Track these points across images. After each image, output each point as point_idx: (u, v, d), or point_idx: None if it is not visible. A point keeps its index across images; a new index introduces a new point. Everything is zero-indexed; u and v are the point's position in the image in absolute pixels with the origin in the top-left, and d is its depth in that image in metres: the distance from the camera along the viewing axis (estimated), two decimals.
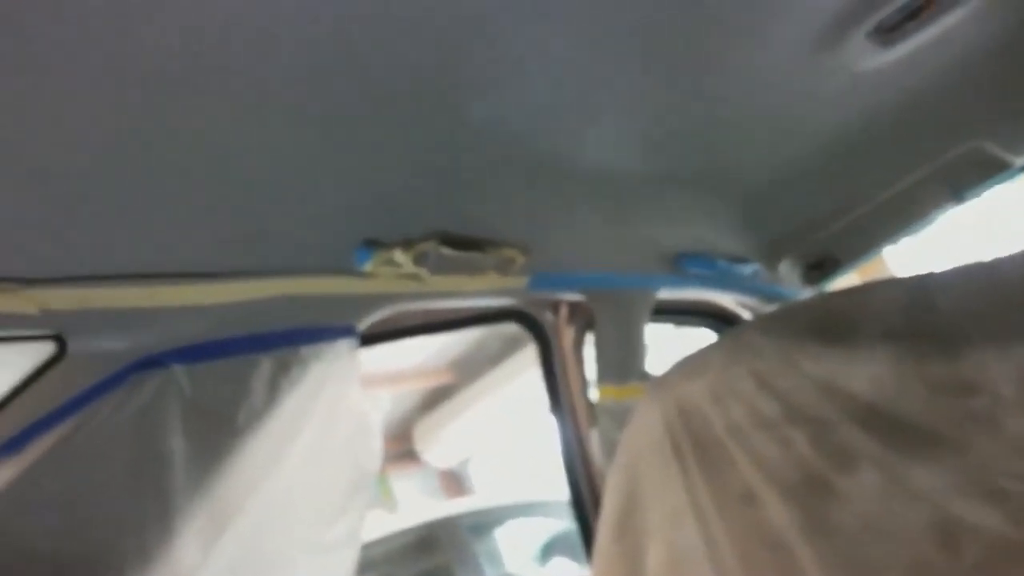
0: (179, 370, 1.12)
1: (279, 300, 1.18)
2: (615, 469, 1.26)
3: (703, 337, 2.11)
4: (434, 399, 7.31)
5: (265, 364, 1.18)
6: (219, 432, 1.12)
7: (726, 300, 1.98)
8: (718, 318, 2.04)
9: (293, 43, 0.82)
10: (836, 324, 1.11)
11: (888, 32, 1.17)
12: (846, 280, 1.95)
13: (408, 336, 1.63)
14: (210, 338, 1.15)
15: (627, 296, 1.68)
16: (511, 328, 1.86)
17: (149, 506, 1.07)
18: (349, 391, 1.29)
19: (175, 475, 1.08)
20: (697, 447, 1.10)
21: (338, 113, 0.97)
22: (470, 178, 1.23)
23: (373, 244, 1.21)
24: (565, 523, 4.82)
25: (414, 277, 1.28)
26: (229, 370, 1.16)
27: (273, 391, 1.17)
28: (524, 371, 5.82)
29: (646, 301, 1.71)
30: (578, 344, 1.86)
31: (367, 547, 1.38)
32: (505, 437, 7.29)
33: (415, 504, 7.27)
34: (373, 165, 1.11)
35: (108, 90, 0.79)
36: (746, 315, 2.01)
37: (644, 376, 1.63)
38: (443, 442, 7.43)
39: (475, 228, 1.32)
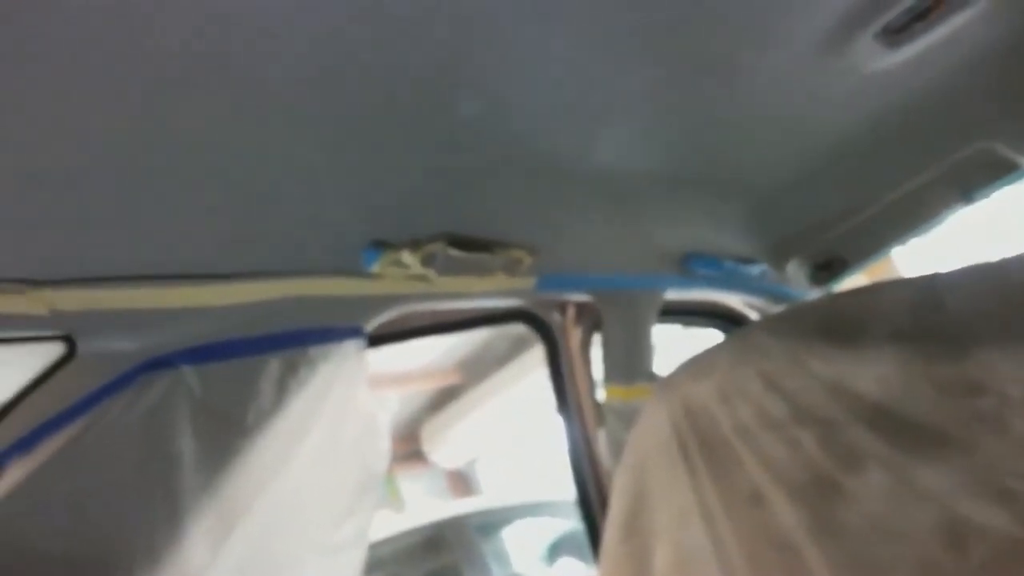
0: (188, 371, 1.13)
1: (287, 301, 1.19)
2: (622, 469, 1.26)
3: (710, 338, 2.11)
4: (441, 400, 7.31)
5: (273, 365, 1.18)
6: (228, 432, 1.12)
7: (733, 301, 1.97)
8: (725, 319, 2.04)
9: (300, 45, 0.83)
10: (844, 324, 1.11)
11: (896, 33, 1.17)
12: (854, 281, 1.94)
13: (416, 337, 1.63)
14: (218, 339, 1.16)
15: (634, 297, 1.68)
16: (518, 329, 1.86)
17: (158, 506, 1.07)
18: (357, 392, 1.29)
19: (184, 475, 1.08)
20: (704, 447, 1.10)
21: (346, 115, 0.97)
22: (477, 179, 1.23)
23: (381, 245, 1.21)
24: (572, 523, 4.81)
25: (422, 278, 1.28)
26: (237, 371, 1.16)
27: (281, 392, 1.17)
28: (531, 372, 5.81)
29: (653, 302, 1.71)
30: (585, 345, 1.85)
31: (374, 547, 1.38)
32: (512, 437, 7.28)
33: (422, 504, 7.27)
34: (381, 166, 1.11)
35: (116, 93, 0.80)
36: (753, 316, 2.01)
37: (651, 377, 1.63)
38: (450, 442, 7.43)
39: (483, 229, 1.33)
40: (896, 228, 1.79)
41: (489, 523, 5.27)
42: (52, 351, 1.07)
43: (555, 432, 1.92)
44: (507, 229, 1.36)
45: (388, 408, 1.35)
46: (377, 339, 1.40)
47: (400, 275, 1.26)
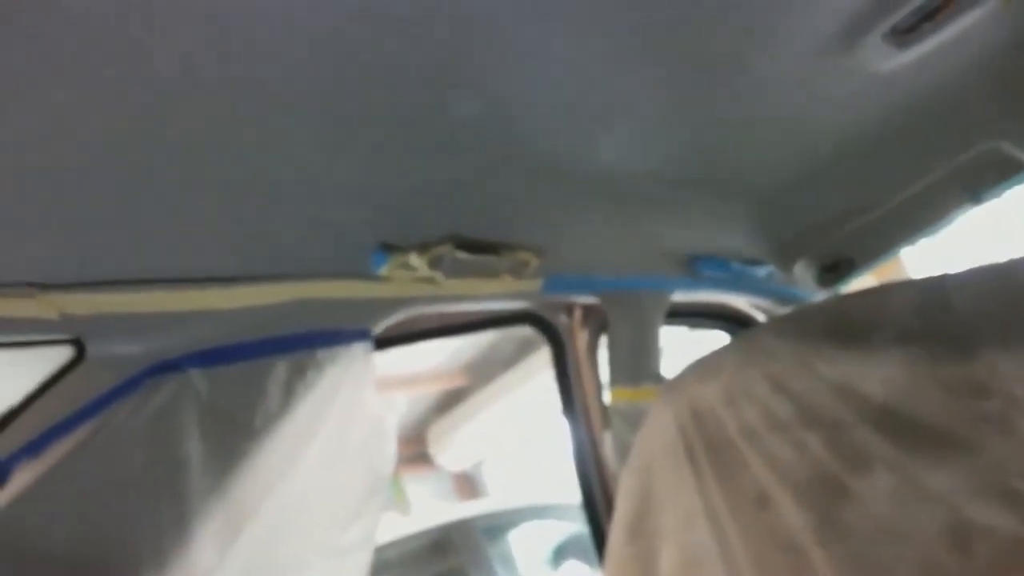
0: (195, 374, 1.13)
1: (295, 304, 1.19)
2: (628, 471, 1.26)
3: (718, 339, 2.11)
4: (448, 402, 7.32)
5: (281, 368, 1.19)
6: (235, 435, 1.13)
7: (740, 302, 1.97)
8: (732, 320, 2.03)
9: (303, 46, 0.83)
10: (851, 326, 1.11)
11: (904, 34, 1.16)
12: (862, 282, 1.93)
13: (423, 339, 1.64)
14: (226, 342, 1.16)
15: (641, 298, 1.67)
16: (524, 331, 1.86)
17: (165, 509, 1.07)
18: (364, 394, 1.29)
19: (191, 478, 1.09)
20: (710, 449, 1.10)
21: (350, 116, 0.97)
22: (483, 180, 1.23)
23: (388, 248, 1.21)
24: (578, 526, 4.81)
25: (429, 280, 1.28)
26: (245, 374, 1.16)
27: (289, 394, 1.17)
28: (537, 374, 5.81)
29: (660, 303, 1.71)
30: (592, 347, 1.85)
31: (381, 550, 1.38)
32: (518, 440, 7.28)
33: (428, 507, 7.27)
34: (386, 168, 1.11)
35: (122, 95, 0.80)
36: (760, 317, 2.00)
37: (658, 379, 1.62)
38: (457, 445, 7.44)
39: (489, 231, 1.33)
40: (904, 228, 1.79)
41: (495, 526, 5.28)
42: (60, 355, 1.08)
43: (561, 434, 1.92)
44: (513, 231, 1.36)
45: (395, 410, 1.35)
46: (384, 341, 1.41)
47: (407, 278, 1.26)
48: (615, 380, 1.66)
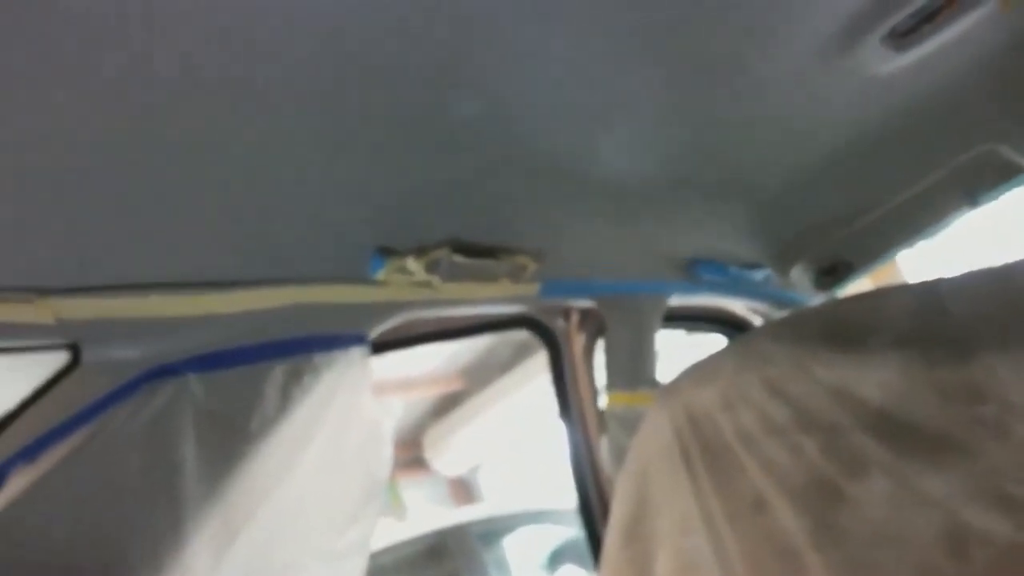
0: (192, 378, 1.13)
1: (292, 308, 1.19)
2: (624, 475, 1.26)
3: (715, 343, 2.11)
4: (444, 406, 7.31)
5: (277, 372, 1.18)
6: (232, 440, 1.12)
7: (738, 306, 1.97)
8: (730, 324, 2.03)
9: (303, 50, 0.83)
10: (847, 330, 1.11)
11: (903, 36, 1.16)
12: (858, 285, 1.94)
13: (420, 343, 1.63)
14: (223, 347, 1.16)
15: (639, 302, 1.67)
16: (521, 335, 1.86)
17: (162, 513, 1.07)
18: (361, 399, 1.29)
19: (188, 483, 1.08)
20: (707, 454, 1.10)
21: (349, 121, 0.97)
22: (481, 184, 1.23)
23: (386, 252, 1.21)
24: (573, 531, 4.81)
25: (427, 285, 1.28)
26: (241, 378, 1.16)
27: (285, 399, 1.17)
28: (534, 378, 5.81)
29: (657, 307, 1.71)
30: (588, 351, 1.85)
31: (377, 555, 1.38)
32: (514, 444, 7.28)
33: (424, 512, 7.26)
34: (384, 172, 1.11)
35: (121, 99, 0.80)
36: (758, 321, 2.00)
37: (655, 383, 1.62)
38: (453, 449, 7.43)
39: (487, 235, 1.33)
40: (901, 231, 1.79)
41: (491, 531, 5.27)
42: (57, 360, 1.07)
43: (556, 439, 1.92)
44: (511, 235, 1.36)
45: (392, 414, 1.35)
46: (381, 346, 1.40)
47: (405, 282, 1.26)
48: (612, 384, 1.66)
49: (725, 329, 2.05)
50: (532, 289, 1.48)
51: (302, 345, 1.22)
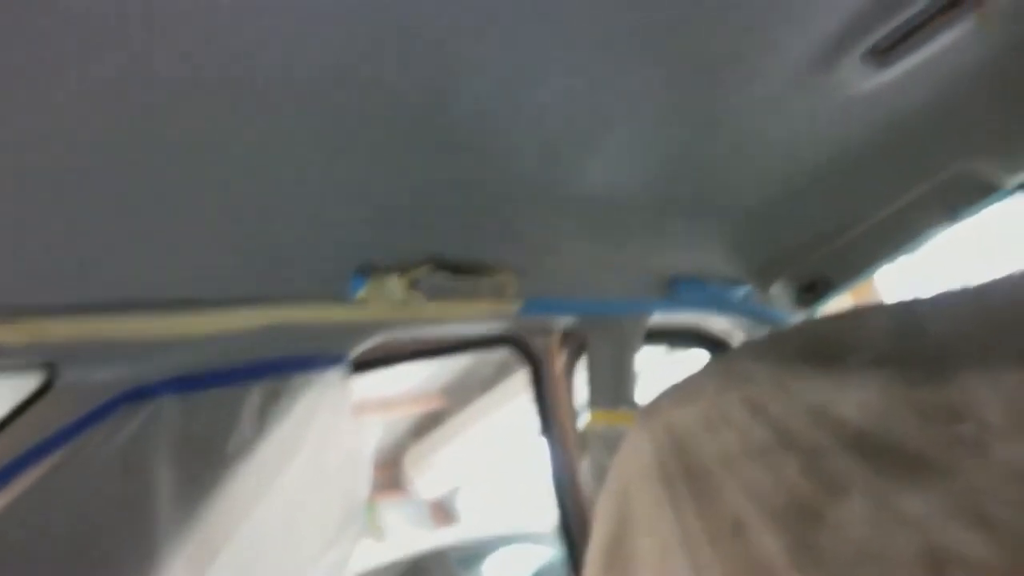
0: (169, 400, 1.12)
1: (270, 329, 1.18)
2: (605, 495, 1.25)
3: (696, 360, 2.11)
4: (425, 425, 7.26)
5: (255, 393, 1.17)
6: (208, 462, 1.11)
7: (719, 323, 1.98)
8: (710, 341, 2.04)
9: (281, 72, 0.82)
10: (828, 349, 1.11)
11: (883, 53, 1.17)
12: (839, 301, 1.95)
13: (400, 362, 1.62)
14: (200, 368, 1.14)
15: (620, 321, 1.67)
16: (502, 353, 1.85)
17: (137, 537, 1.06)
18: (340, 420, 1.28)
19: (163, 506, 1.07)
20: (688, 474, 1.10)
21: (330, 139, 0.97)
22: (464, 203, 1.23)
23: (367, 271, 1.21)
24: (553, 551, 4.79)
25: (407, 304, 1.27)
26: (219, 400, 1.15)
27: (263, 421, 1.16)
28: (515, 397, 5.80)
29: (639, 326, 1.71)
30: (570, 369, 1.85)
31: None
32: (495, 465, 7.24)
33: (403, 533, 7.20)
34: (366, 191, 1.10)
35: (94, 121, 0.79)
36: (739, 338, 2.01)
37: (635, 402, 1.62)
38: (433, 469, 7.38)
39: (468, 253, 1.32)
40: (881, 248, 1.80)
41: (470, 555, 5.25)
42: (29, 381, 1.06)
43: (537, 460, 1.91)
44: (493, 253, 1.36)
45: (372, 434, 1.34)
46: (361, 365, 1.39)
47: (386, 301, 1.25)
48: (593, 403, 1.66)
49: (706, 346, 2.06)
50: (513, 307, 1.48)
51: (280, 366, 1.21)
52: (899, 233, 1.77)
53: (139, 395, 1.10)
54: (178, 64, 0.76)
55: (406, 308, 1.29)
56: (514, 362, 1.86)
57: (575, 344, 1.83)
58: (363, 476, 1.31)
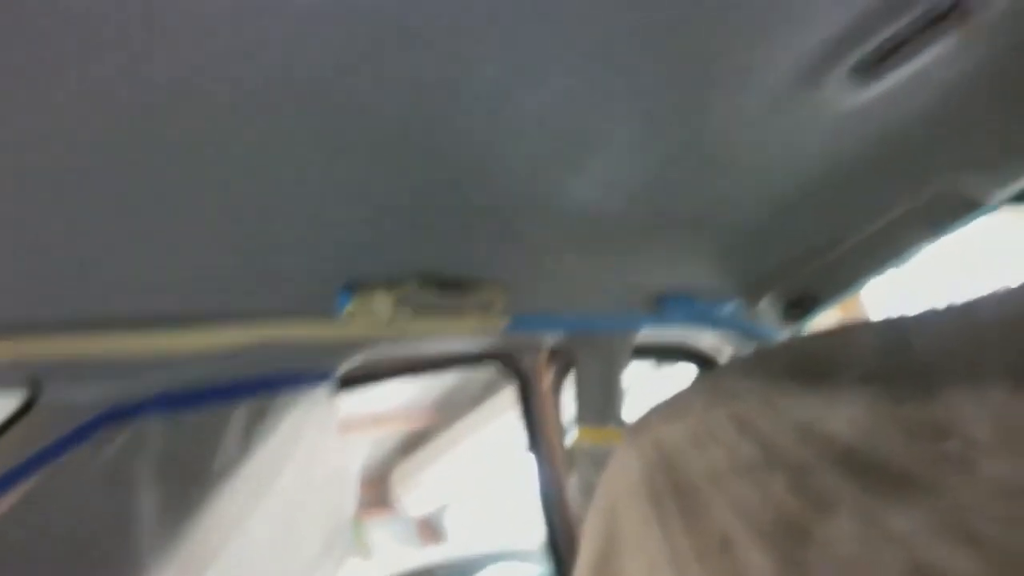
0: (152, 420, 1.11)
1: (256, 347, 1.17)
2: (593, 512, 1.25)
3: (684, 375, 2.11)
4: (414, 441, 7.23)
5: (240, 412, 1.16)
6: (193, 482, 1.10)
7: (707, 338, 1.98)
8: (698, 357, 2.04)
9: (267, 90, 0.82)
10: (815, 365, 1.11)
11: (868, 70, 1.18)
12: (827, 316, 1.96)
13: (387, 379, 1.62)
14: (185, 386, 1.13)
15: (608, 337, 1.67)
16: (490, 370, 1.85)
17: (120, 559, 1.05)
18: (326, 438, 1.27)
19: (147, 527, 1.06)
20: (676, 491, 1.09)
21: (317, 154, 0.96)
22: (451, 219, 1.23)
23: (353, 288, 1.20)
24: (541, 569, 4.76)
25: (394, 320, 1.27)
26: (204, 419, 1.14)
27: (248, 439, 1.15)
28: (503, 414, 5.78)
29: (627, 342, 1.71)
30: (558, 386, 1.85)
31: None
32: (483, 483, 7.21)
33: (390, 551, 7.15)
34: (354, 207, 1.10)
35: (74, 137, 0.78)
36: (726, 354, 2.01)
37: (623, 419, 1.62)
38: (421, 486, 7.34)
39: (456, 270, 1.32)
40: (867, 264, 1.81)
41: (458, 572, 5.22)
42: (11, 400, 1.04)
43: (525, 477, 1.91)
44: (481, 269, 1.36)
45: (358, 453, 1.34)
46: (347, 382, 1.39)
47: (372, 318, 1.25)
48: (581, 419, 1.66)
49: (694, 362, 2.06)
50: (501, 324, 1.48)
51: (266, 384, 1.20)
52: (885, 249, 1.78)
53: (123, 414, 1.09)
54: (149, 89, 0.75)
55: (393, 325, 1.28)
56: (502, 379, 1.85)
57: (563, 360, 1.83)
58: (349, 494, 1.31)
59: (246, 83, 0.79)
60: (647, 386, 2.35)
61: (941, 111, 1.40)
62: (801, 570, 0.93)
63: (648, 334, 1.78)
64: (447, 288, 1.31)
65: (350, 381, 1.43)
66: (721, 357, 2.02)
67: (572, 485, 1.75)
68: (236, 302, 1.14)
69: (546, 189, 1.25)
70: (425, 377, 2.05)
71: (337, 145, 0.96)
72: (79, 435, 1.07)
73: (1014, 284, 1.07)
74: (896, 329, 1.11)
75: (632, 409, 1.64)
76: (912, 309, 1.14)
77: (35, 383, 1.04)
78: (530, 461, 1.84)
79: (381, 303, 1.22)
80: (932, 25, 1.13)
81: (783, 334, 1.95)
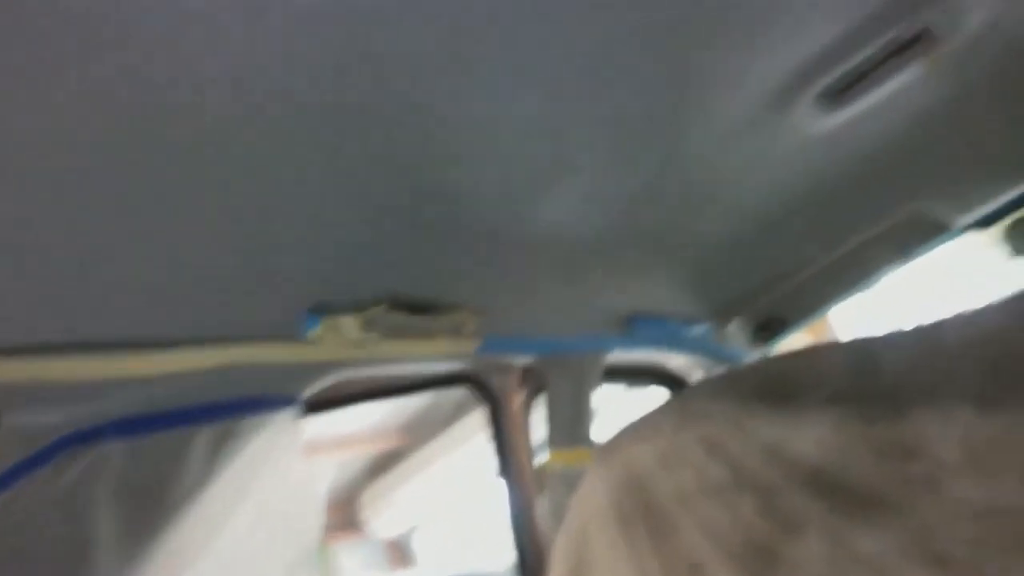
0: (112, 445, 1.08)
1: (219, 370, 1.15)
2: (563, 535, 1.24)
3: (655, 397, 2.11)
4: (383, 463, 7.16)
5: (203, 437, 1.14)
6: (153, 509, 1.08)
7: (677, 361, 1.98)
8: (669, 379, 2.04)
9: (235, 108, 0.81)
10: (784, 387, 1.12)
11: (836, 96, 1.20)
12: (796, 339, 1.97)
13: (354, 403, 1.60)
14: (146, 411, 1.11)
15: (579, 359, 1.67)
16: (461, 392, 1.84)
17: None
18: (291, 463, 1.25)
19: (105, 554, 1.03)
20: (645, 514, 1.09)
21: (285, 177, 0.96)
22: (421, 241, 1.22)
23: (320, 310, 1.19)
24: None
25: (362, 343, 1.26)
26: (165, 444, 1.12)
27: (211, 465, 1.13)
28: (473, 436, 5.75)
29: (597, 364, 1.71)
30: (527, 407, 1.84)
31: None
32: (452, 505, 7.16)
33: None
34: (322, 229, 1.09)
35: (33, 155, 0.77)
36: (696, 376, 2.02)
37: (593, 441, 1.62)
38: (391, 508, 7.27)
39: (426, 291, 1.31)
40: (834, 287, 1.83)
41: None
42: None
43: (494, 499, 1.90)
44: (451, 291, 1.35)
45: (324, 477, 1.32)
46: (314, 406, 1.37)
47: (340, 341, 1.24)
48: (552, 441, 1.65)
49: (664, 383, 2.06)
50: (472, 346, 1.47)
51: (229, 408, 1.18)
52: (852, 272, 1.79)
53: (82, 438, 1.07)
54: (118, 107, 0.74)
55: (361, 348, 1.27)
56: (472, 400, 1.84)
57: (534, 383, 1.82)
58: (315, 519, 1.28)
59: (198, 106, 0.78)
60: (617, 408, 2.35)
61: (909, 137, 1.42)
62: None
63: (619, 356, 1.78)
64: (417, 311, 1.30)
65: (317, 405, 1.41)
66: (691, 379, 2.03)
67: (542, 507, 1.74)
68: (200, 324, 1.12)
69: (518, 213, 1.24)
70: (394, 399, 2.04)
71: (304, 165, 0.95)
72: (36, 461, 1.04)
73: (978, 306, 1.08)
74: (864, 350, 1.12)
75: (603, 431, 1.64)
76: (880, 331, 1.14)
77: None
78: (500, 483, 1.82)
79: (349, 326, 1.21)
80: (897, 54, 1.15)
81: (752, 356, 1.96)
